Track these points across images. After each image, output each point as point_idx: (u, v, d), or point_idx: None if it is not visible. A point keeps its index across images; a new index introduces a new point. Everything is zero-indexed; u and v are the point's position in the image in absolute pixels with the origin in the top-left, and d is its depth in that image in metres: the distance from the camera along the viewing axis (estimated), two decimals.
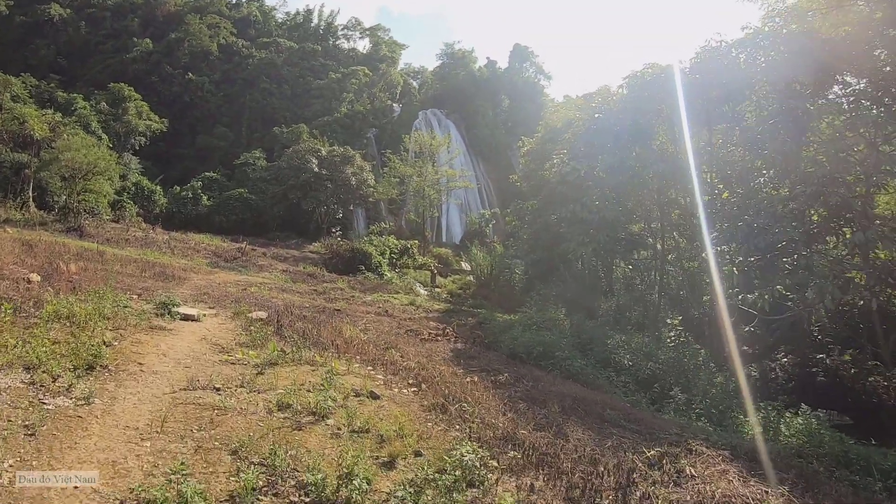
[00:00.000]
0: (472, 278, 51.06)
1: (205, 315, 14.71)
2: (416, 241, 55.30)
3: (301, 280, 32.83)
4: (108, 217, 52.12)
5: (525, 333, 18.45)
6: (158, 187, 63.61)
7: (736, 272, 20.53)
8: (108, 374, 9.08)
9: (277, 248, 52.60)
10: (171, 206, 62.83)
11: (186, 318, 13.95)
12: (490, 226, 75.18)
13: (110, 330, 11.24)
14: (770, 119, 20.44)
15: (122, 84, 72.50)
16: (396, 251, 48.31)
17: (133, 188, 61.50)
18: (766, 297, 17.25)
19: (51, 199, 49.00)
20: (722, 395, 16.23)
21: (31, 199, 48.77)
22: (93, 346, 9.65)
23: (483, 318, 25.83)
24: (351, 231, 65.35)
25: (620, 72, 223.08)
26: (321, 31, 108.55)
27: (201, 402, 8.50)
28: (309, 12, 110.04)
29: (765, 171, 21.27)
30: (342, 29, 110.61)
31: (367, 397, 9.71)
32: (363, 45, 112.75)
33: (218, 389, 9.06)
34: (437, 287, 46.00)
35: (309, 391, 9.38)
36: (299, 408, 8.61)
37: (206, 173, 69.41)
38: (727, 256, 20.97)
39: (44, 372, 8.40)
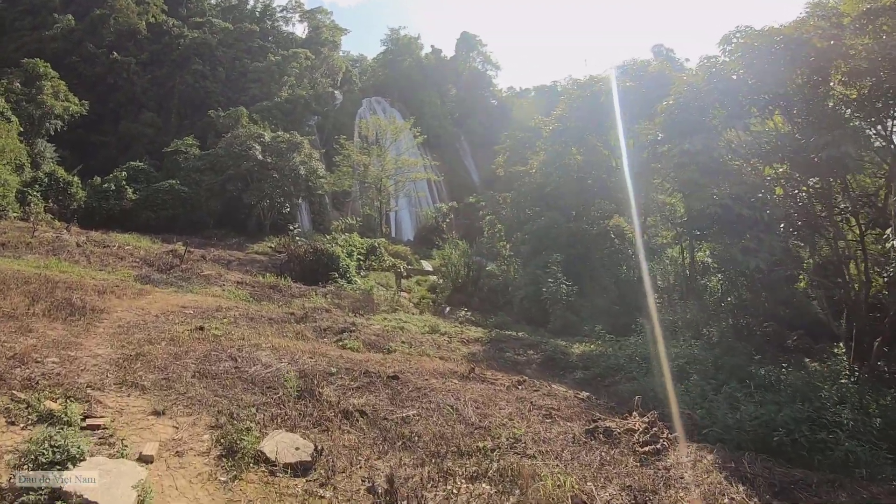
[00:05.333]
0: (436, 279, 43.49)
1: (149, 464, 6.26)
2: (384, 240, 46.98)
3: (266, 297, 23.96)
4: (15, 214, 41.93)
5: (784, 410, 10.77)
6: (76, 178, 52.24)
7: None
8: None
9: (217, 248, 43.28)
10: (90, 200, 51.82)
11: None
12: (447, 221, 67.26)
13: None
14: None
15: (38, 60, 61.21)
16: (364, 251, 39.80)
17: (46, 179, 50.66)
18: None
19: None
20: None
21: None
22: None
23: (551, 352, 18.29)
24: (298, 228, 56.65)
25: (567, 65, 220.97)
26: (258, 14, 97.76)
27: None
28: None
29: None
30: (281, 10, 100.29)
31: None
32: (302, 30, 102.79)
33: None
34: (404, 291, 38.14)
35: None
36: None
37: (132, 163, 58.81)
38: None
39: None
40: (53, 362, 9.58)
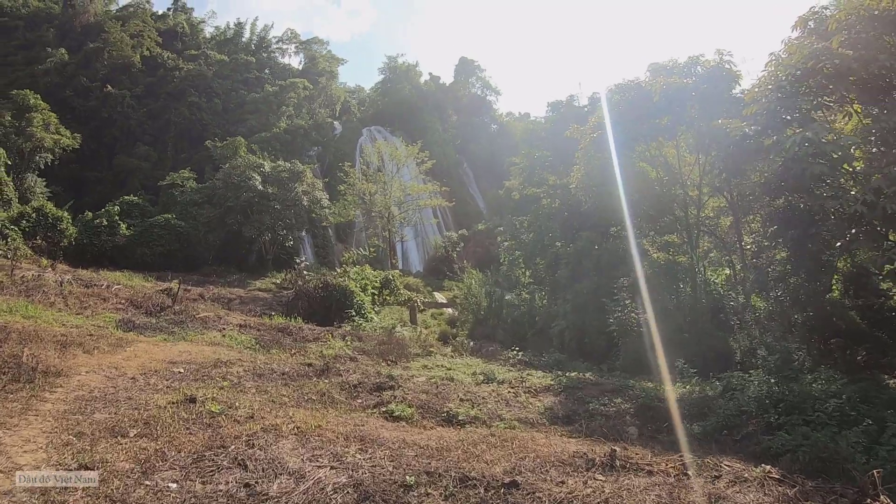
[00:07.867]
0: (453, 312, 39.29)
1: None
2: (398, 272, 42.74)
3: (275, 343, 19.42)
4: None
5: None
6: (66, 214, 48.12)
7: None
8: None
9: (216, 286, 39.02)
10: (81, 236, 47.51)
11: None
12: (457, 250, 63.05)
13: None
14: None
15: (28, 91, 57.45)
16: (378, 284, 35.44)
17: (34, 215, 46.41)
18: None
19: None
20: None
21: None
22: None
23: (644, 398, 13.25)
24: (305, 261, 52.41)
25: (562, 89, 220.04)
26: (253, 47, 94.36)
27: None
28: (240, 26, 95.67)
29: None
30: (276, 42, 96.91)
31: None
32: (298, 61, 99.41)
33: None
34: (422, 327, 33.80)
35: None
36: None
37: (126, 197, 54.60)
38: None
39: None
40: None
